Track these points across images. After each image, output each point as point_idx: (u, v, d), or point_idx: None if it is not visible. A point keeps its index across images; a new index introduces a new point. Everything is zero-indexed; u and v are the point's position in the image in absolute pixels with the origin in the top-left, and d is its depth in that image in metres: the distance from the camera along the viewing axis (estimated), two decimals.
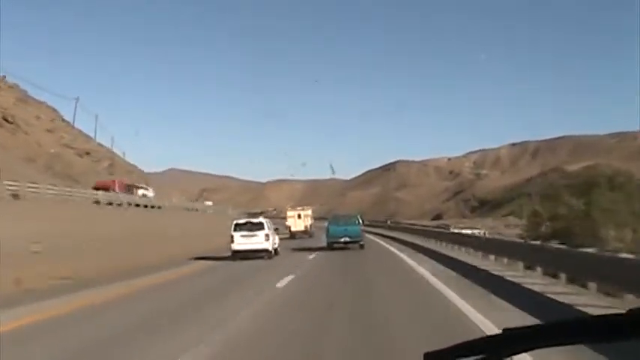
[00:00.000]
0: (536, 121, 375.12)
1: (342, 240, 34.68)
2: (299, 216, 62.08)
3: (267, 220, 33.24)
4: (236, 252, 29.67)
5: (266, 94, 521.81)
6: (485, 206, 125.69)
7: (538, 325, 1.37)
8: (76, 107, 71.11)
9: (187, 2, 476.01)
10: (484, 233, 52.13)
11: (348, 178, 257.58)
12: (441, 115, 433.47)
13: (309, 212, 64.38)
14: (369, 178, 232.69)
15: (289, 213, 63.97)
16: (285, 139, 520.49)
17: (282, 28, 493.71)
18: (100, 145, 79.14)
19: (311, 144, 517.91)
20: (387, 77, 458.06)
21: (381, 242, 44.40)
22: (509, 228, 57.63)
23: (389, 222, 78.89)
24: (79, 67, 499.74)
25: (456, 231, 49.55)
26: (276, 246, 32.11)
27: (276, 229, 34.45)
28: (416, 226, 64.76)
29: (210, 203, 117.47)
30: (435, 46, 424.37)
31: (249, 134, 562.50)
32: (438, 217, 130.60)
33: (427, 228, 56.28)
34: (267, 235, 30.28)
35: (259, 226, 30.66)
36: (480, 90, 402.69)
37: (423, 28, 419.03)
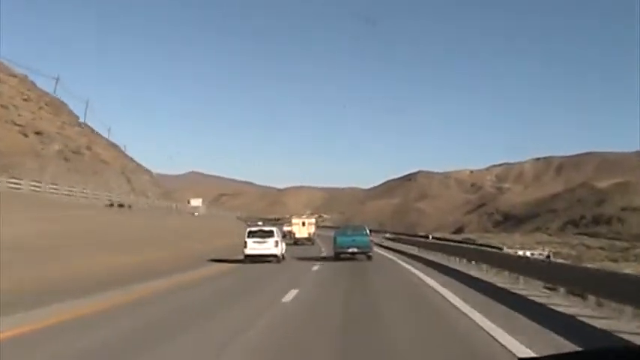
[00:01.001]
0: (561, 136, 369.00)
1: (350, 250, 34.02)
2: (303, 224, 64.37)
3: (277, 228, 36.07)
4: (248, 256, 32.16)
5: (287, 102, 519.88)
6: (510, 221, 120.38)
7: (554, 355, 1.36)
8: (54, 86, 70.15)
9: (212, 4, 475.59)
10: (548, 255, 39.81)
11: (368, 187, 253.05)
12: (463, 128, 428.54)
13: (313, 220, 67.69)
14: (389, 187, 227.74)
15: (294, 220, 66.46)
16: (305, 147, 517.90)
17: (310, 35, 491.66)
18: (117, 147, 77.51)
19: (332, 152, 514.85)
20: (411, 88, 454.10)
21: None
22: (557, 248, 51.87)
23: (431, 237, 60.47)
24: (94, 70, 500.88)
25: (507, 251, 37.69)
26: (283, 252, 34.69)
27: (283, 236, 38.57)
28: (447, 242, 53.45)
29: (197, 204, 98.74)
30: (460, 59, 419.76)
31: (269, 140, 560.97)
32: (459, 230, 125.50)
33: (461, 245, 43.37)
34: (276, 242, 33.11)
35: (270, 234, 33.41)
36: (504, 104, 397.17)
37: (447, 40, 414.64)
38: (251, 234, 33.28)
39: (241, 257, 32.09)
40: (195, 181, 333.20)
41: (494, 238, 66.00)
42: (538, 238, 62.56)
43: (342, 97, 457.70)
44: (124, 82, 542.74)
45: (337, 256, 34.17)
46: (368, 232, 36.12)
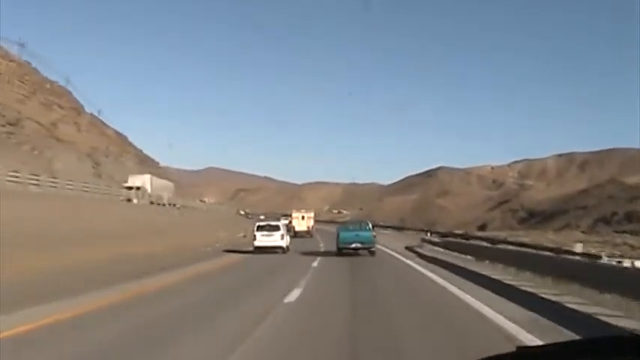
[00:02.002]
0: (583, 132, 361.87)
1: (353, 246, 33.78)
2: (302, 217, 67.31)
3: (282, 223, 40.49)
4: (257, 247, 35.86)
5: (307, 97, 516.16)
6: (535, 218, 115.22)
7: (553, 344, 1.45)
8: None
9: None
10: None
11: (387, 182, 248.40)
12: (484, 123, 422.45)
13: (312, 214, 70.57)
14: (409, 183, 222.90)
15: (294, 214, 68.91)
16: (324, 141, 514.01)
17: (325, 32, 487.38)
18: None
19: (351, 147, 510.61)
20: (431, 83, 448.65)
21: None
22: (598, 247, 46.11)
23: (488, 244, 42.27)
24: (109, 67, 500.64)
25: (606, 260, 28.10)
26: (288, 244, 38.06)
27: (288, 230, 42.01)
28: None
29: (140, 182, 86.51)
30: (482, 55, 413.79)
31: (288, 136, 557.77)
32: (482, 227, 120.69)
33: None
34: (282, 235, 36.98)
35: (276, 228, 37.42)
36: (525, 100, 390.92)
37: (470, 35, 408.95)
38: (260, 228, 37.19)
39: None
40: (213, 177, 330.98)
41: (526, 236, 61.02)
42: (573, 237, 57.54)
43: (361, 91, 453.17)
44: (142, 78, 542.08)
45: (340, 252, 33.92)
46: (371, 226, 36.09)
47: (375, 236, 35.33)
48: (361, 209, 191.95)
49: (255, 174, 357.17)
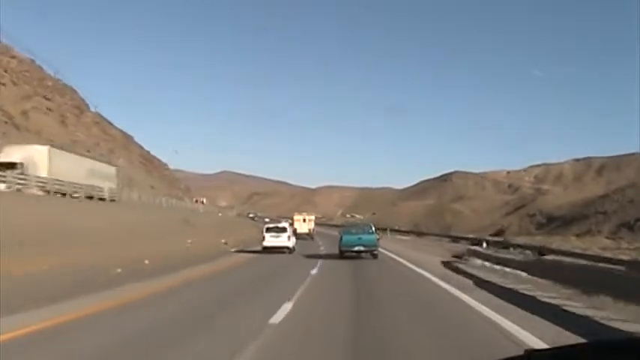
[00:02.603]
0: (600, 137, 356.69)
1: (356, 249, 33.52)
2: (304, 220, 69.48)
3: (289, 225, 43.16)
4: (265, 248, 38.22)
5: (321, 102, 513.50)
6: (554, 223, 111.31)
7: (562, 346, 1.49)
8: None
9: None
10: None
11: (401, 187, 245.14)
12: (499, 128, 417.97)
13: (313, 217, 73.28)
14: (423, 188, 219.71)
15: (296, 217, 70.43)
16: (339, 146, 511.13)
17: (336, 36, 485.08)
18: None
19: (364, 151, 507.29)
20: (445, 88, 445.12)
21: None
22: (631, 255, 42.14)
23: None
24: (127, 72, 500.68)
25: None
26: (294, 244, 40.73)
27: (294, 232, 45.25)
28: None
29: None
30: (497, 59, 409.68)
31: (303, 140, 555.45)
32: (499, 232, 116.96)
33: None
34: (288, 237, 39.53)
35: (283, 230, 39.99)
36: (540, 104, 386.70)
37: (486, 40, 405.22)
38: (268, 230, 39.68)
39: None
40: (227, 181, 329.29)
41: (549, 242, 57.59)
42: (599, 243, 54.13)
43: (375, 97, 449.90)
44: (158, 82, 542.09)
45: (342, 255, 33.70)
46: (374, 229, 35.93)
47: (378, 239, 34.96)
48: (374, 214, 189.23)
49: (270, 178, 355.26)
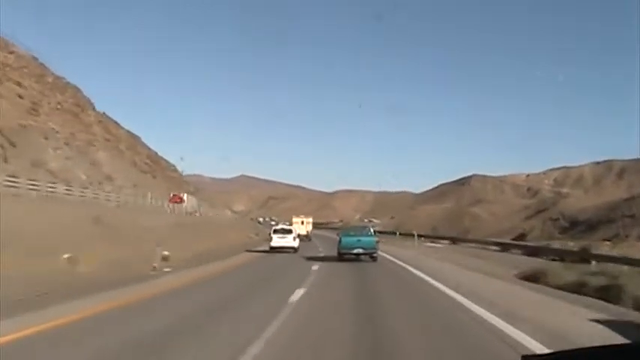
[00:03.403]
0: (620, 140, 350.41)
1: (355, 251, 33.01)
2: (302, 222, 72.66)
3: (294, 227, 47.17)
4: (273, 248, 40.87)
5: (338, 106, 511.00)
6: (578, 227, 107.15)
7: (559, 352, 1.52)
8: None
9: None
10: None
11: (419, 191, 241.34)
12: (518, 130, 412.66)
13: (310, 220, 77.80)
14: (441, 192, 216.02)
15: (294, 219, 73.30)
16: (356, 150, 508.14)
17: (354, 41, 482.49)
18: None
19: (381, 155, 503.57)
20: (463, 90, 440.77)
21: None
22: None
23: None
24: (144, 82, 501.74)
25: None
26: (298, 245, 42.62)
27: (298, 235, 45.64)
28: None
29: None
30: (516, 62, 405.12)
31: (320, 144, 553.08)
32: (521, 236, 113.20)
33: None
34: (294, 238, 42.13)
35: (289, 232, 43.11)
36: (561, 107, 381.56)
37: (503, 43, 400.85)
38: (275, 231, 42.89)
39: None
40: (244, 185, 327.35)
41: (571, 246, 53.60)
42: (637, 248, 50.00)
43: (392, 100, 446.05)
44: (175, 89, 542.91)
45: (340, 257, 33.33)
46: (373, 232, 35.80)
47: (377, 241, 34.14)
48: (392, 218, 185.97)
49: (287, 182, 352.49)
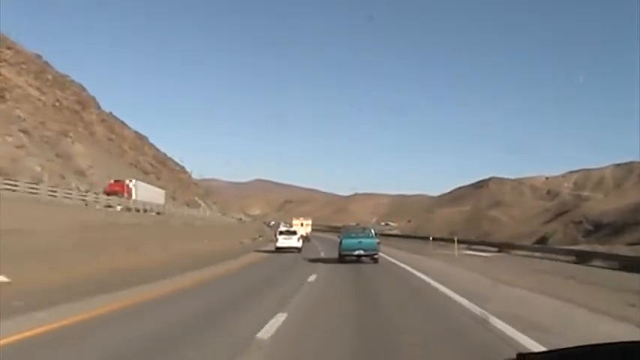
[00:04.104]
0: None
1: (356, 253, 32.55)
2: (302, 224, 76.01)
3: (297, 229, 51.63)
4: (278, 248, 43.62)
5: (354, 109, 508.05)
6: (603, 230, 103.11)
7: (554, 350, 1.52)
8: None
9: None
10: None
11: (436, 194, 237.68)
12: (536, 132, 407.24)
13: (309, 222, 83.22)
14: (459, 195, 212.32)
15: (294, 222, 77.16)
16: (372, 154, 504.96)
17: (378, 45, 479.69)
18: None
19: (398, 158, 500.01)
20: (480, 93, 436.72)
21: None
22: None
23: None
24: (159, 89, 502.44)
25: None
26: (301, 245, 45.41)
27: (301, 235, 49.06)
28: None
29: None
30: (535, 62, 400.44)
31: (336, 148, 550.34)
32: (542, 240, 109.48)
33: None
34: (298, 239, 45.35)
35: (294, 233, 46.44)
36: (580, 108, 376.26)
37: (521, 43, 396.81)
38: (280, 233, 45.44)
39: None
40: (261, 189, 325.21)
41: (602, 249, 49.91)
42: None
43: (407, 101, 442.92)
44: (190, 93, 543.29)
45: (342, 259, 32.82)
46: (374, 233, 35.25)
47: (378, 243, 33.67)
48: (410, 221, 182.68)
49: (303, 186, 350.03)
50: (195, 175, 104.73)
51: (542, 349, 8.18)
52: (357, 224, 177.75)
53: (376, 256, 32.73)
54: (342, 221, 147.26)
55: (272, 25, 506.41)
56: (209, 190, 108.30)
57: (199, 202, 73.85)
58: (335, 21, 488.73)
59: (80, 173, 50.48)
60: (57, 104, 50.83)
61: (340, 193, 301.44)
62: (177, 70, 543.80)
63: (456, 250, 46.56)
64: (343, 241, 33.88)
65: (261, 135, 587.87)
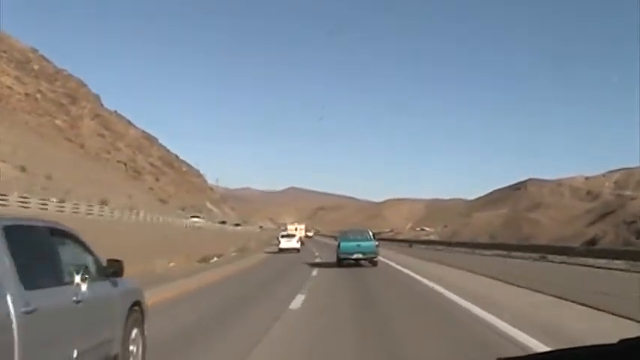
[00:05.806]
0: None
1: (354, 256, 31.33)
2: (296, 229, 78.99)
3: (297, 232, 62.68)
4: (281, 249, 49.51)
5: (387, 115, 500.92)
6: None
7: (533, 354, 1.54)
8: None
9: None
10: None
11: (472, 197, 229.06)
12: (575, 132, 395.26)
13: (303, 227, 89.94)
14: (495, 198, 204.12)
15: (289, 227, 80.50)
16: (405, 159, 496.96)
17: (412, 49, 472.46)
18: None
19: (432, 162, 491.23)
20: (518, 94, 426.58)
21: None
22: None
23: None
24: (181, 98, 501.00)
25: None
26: (300, 246, 52.05)
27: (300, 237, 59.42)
28: None
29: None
30: (573, 62, 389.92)
31: (369, 154, 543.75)
32: (591, 242, 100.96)
33: None
34: (297, 241, 52.37)
35: (293, 236, 53.87)
36: (621, 106, 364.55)
37: (563, 42, 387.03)
38: (282, 236, 53.28)
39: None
40: (294, 197, 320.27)
41: None
42: None
43: (441, 106, 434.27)
44: (220, 104, 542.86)
45: (340, 263, 32.01)
46: (372, 236, 34.28)
47: (377, 246, 32.68)
48: (446, 226, 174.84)
49: (336, 193, 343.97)
50: (211, 180, 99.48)
51: None
52: (391, 230, 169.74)
53: (375, 260, 31.75)
54: (377, 227, 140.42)
55: (312, 34, 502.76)
56: (240, 198, 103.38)
57: (210, 207, 68.19)
58: (362, 24, 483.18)
59: (48, 176, 44.77)
60: (38, 95, 45.95)
61: (374, 199, 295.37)
62: (213, 81, 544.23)
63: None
64: (341, 244, 32.92)
65: (295, 144, 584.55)
